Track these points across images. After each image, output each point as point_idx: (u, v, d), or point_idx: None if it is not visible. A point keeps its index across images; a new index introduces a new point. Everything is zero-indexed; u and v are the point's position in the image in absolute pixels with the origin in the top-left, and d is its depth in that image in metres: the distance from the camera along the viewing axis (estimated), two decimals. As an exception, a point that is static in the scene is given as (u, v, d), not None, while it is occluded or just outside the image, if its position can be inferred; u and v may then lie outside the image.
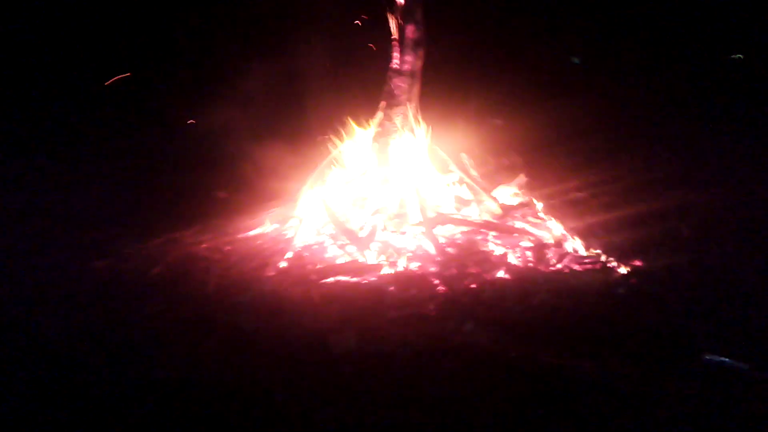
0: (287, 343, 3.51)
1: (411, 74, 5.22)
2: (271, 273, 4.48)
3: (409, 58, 5.19)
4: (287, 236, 5.08)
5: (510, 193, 5.48)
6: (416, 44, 5.17)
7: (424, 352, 3.38)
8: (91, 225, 5.46)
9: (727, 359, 3.20)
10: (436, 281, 4.24)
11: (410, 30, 5.13)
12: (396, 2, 5.13)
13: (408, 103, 5.29)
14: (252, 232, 5.39)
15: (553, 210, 5.27)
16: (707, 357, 3.23)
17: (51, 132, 5.70)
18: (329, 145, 5.53)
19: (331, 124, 5.52)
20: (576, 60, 5.96)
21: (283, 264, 4.61)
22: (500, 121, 5.48)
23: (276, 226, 5.40)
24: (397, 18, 5.15)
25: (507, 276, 4.34)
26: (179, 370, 3.36)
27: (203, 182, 5.81)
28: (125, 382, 3.25)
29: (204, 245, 5.10)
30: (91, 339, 3.64)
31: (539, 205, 5.29)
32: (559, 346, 3.44)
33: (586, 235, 4.96)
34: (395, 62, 5.21)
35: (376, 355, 3.36)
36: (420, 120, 5.34)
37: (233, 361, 3.42)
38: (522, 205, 5.28)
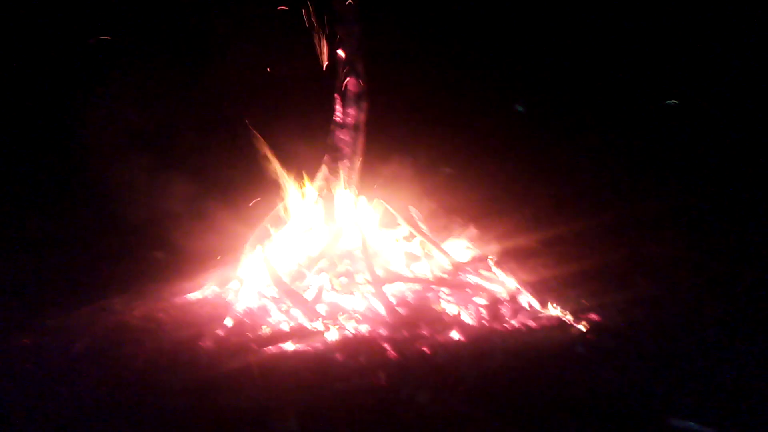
0: (221, 426, 3.16)
1: (355, 127, 5.07)
2: (207, 343, 4.13)
3: (352, 111, 5.04)
4: (227, 300, 4.76)
5: (461, 246, 5.31)
6: (359, 97, 5.03)
7: (373, 428, 3.09)
8: (9, 293, 4.98)
9: (692, 424, 3.02)
10: (387, 346, 3.97)
11: (353, 83, 5.00)
12: (338, 55, 5.00)
13: (352, 157, 5.12)
14: (190, 297, 5.03)
15: (506, 263, 5.10)
16: (673, 422, 3.05)
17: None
18: (273, 202, 5.28)
19: (275, 179, 5.28)
20: (520, 108, 5.98)
21: (221, 332, 4.27)
22: (449, 170, 5.37)
23: (216, 288, 5.06)
24: (339, 71, 5.01)
25: (461, 337, 4.12)
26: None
27: (137, 242, 5.43)
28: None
29: (136, 313, 4.71)
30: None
31: (491, 259, 5.11)
32: (519, 414, 3.21)
33: (541, 289, 4.80)
34: (338, 115, 5.05)
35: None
36: (365, 174, 5.17)
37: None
38: (474, 259, 5.09)
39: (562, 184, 5.56)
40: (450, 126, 5.48)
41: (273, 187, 5.25)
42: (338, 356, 3.88)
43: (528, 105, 5.52)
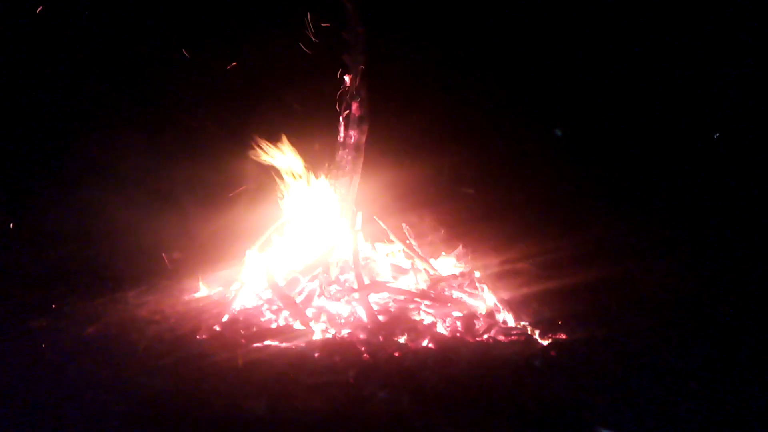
0: (201, 407, 3.59)
1: (355, 147, 5.50)
2: (203, 336, 4.58)
3: (354, 132, 5.48)
4: (228, 299, 5.20)
5: (448, 263, 5.66)
6: (361, 120, 5.47)
7: (332, 419, 3.47)
8: (38, 284, 5.54)
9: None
10: (362, 348, 4.35)
11: (355, 107, 5.44)
12: (344, 82, 5.46)
13: (352, 175, 5.55)
14: (196, 294, 5.51)
15: (488, 280, 5.45)
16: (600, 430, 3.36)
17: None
18: (277, 211, 5.72)
19: (281, 192, 5.73)
20: (558, 132, 6.30)
21: (217, 327, 4.71)
22: (442, 191, 5.76)
23: (220, 288, 5.53)
24: (343, 96, 5.47)
25: (432, 345, 4.47)
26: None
27: (152, 243, 5.96)
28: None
29: (146, 306, 5.21)
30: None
31: (476, 275, 5.46)
32: (465, 415, 3.55)
33: (519, 307, 5.12)
34: (341, 136, 5.50)
35: (284, 422, 3.44)
36: (363, 191, 5.58)
37: (140, 425, 3.47)
38: (458, 275, 5.44)
39: (549, 207, 5.89)
40: (443, 149, 5.88)
41: (279, 199, 5.69)
42: (317, 354, 4.27)
43: (520, 129, 5.89)
